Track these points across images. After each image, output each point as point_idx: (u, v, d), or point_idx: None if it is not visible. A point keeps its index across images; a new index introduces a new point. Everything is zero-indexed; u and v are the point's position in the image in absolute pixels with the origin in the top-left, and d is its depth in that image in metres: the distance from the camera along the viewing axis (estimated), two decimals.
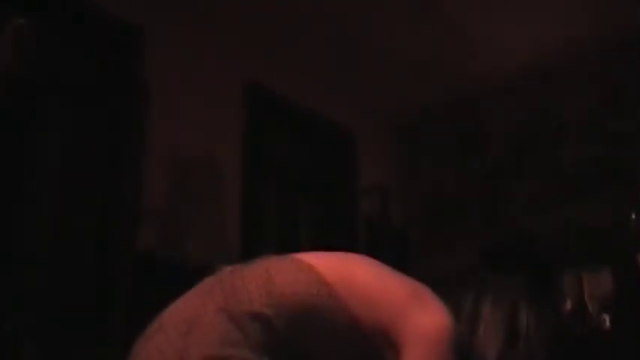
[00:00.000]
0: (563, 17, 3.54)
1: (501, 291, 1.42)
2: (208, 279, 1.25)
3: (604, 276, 3.05)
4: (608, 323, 2.96)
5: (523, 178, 4.00)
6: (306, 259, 1.26)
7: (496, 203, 4.07)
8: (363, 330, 1.21)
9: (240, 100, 3.56)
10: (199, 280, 1.25)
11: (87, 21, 2.84)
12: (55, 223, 2.58)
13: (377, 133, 4.52)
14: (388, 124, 4.57)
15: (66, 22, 2.71)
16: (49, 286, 2.47)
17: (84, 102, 2.86)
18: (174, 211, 3.00)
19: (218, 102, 3.42)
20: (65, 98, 2.76)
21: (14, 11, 1.86)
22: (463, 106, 4.35)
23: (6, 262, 2.36)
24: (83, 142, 2.81)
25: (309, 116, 3.96)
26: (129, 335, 1.21)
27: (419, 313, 1.21)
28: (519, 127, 4.14)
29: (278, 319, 1.15)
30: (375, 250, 4.00)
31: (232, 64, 3.54)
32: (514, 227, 3.84)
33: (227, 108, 3.48)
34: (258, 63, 3.67)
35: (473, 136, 4.35)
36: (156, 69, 3.08)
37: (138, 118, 2.94)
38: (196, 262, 2.68)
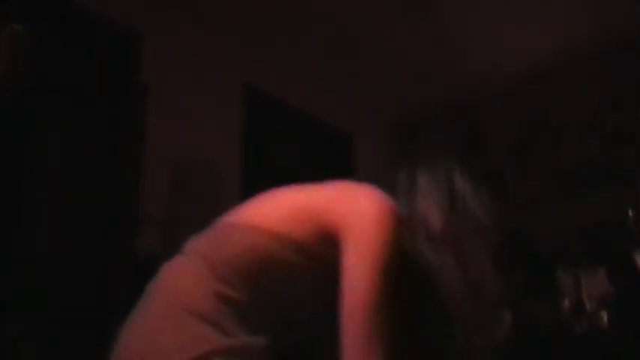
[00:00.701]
0: (563, 17, 3.55)
1: (434, 160, 1.44)
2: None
3: (602, 275, 3.06)
4: (606, 321, 2.96)
5: (523, 178, 4.01)
6: (232, 219, 1.28)
7: (496, 203, 4.07)
8: (313, 245, 1.21)
9: (240, 101, 3.57)
10: None
11: (85, 24, 2.86)
12: (55, 225, 2.60)
13: (376, 134, 4.53)
14: (387, 125, 4.58)
15: (64, 25, 2.72)
16: (50, 288, 2.49)
17: (83, 105, 2.88)
18: (174, 213, 3.01)
19: (217, 104, 3.43)
20: (64, 101, 2.78)
21: (12, 16, 1.87)
22: (463, 106, 4.36)
23: (6, 263, 2.38)
24: (83, 144, 2.82)
25: (308, 117, 3.97)
26: None
27: (355, 200, 1.23)
28: (519, 127, 4.14)
29: (235, 291, 1.15)
30: None
31: (231, 65, 3.56)
32: (514, 227, 3.85)
33: (226, 109, 3.49)
34: (257, 64, 3.68)
35: (473, 136, 4.36)
36: (155, 71, 3.10)
37: (137, 120, 2.96)
38: None
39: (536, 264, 3.39)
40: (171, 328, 1.12)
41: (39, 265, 2.48)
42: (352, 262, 1.16)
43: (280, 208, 1.27)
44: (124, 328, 1.20)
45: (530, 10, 3.47)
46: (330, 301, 1.20)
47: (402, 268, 1.19)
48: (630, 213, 3.19)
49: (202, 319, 1.12)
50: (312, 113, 3.99)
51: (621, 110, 3.74)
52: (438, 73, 4.05)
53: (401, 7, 3.43)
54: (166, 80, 3.14)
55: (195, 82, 3.32)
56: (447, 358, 1.31)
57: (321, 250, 1.21)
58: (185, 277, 1.19)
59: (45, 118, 2.66)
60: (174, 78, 3.20)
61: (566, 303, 3.04)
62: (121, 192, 2.86)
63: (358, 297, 1.13)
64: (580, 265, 3.19)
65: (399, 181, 1.40)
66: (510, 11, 3.48)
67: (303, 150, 4.03)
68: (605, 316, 2.93)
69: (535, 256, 3.47)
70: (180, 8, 3.28)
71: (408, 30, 3.63)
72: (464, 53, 3.86)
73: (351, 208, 1.22)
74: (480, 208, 1.37)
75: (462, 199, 1.36)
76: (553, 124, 3.98)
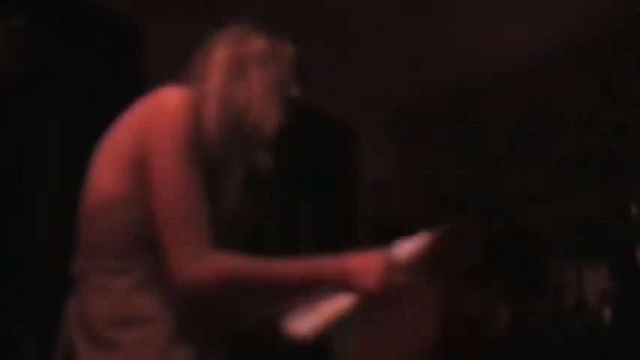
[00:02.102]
0: (563, 7, 3.52)
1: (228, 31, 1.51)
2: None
3: (604, 269, 3.05)
4: (609, 317, 2.96)
5: (523, 171, 4.00)
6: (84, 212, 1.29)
7: (495, 197, 4.06)
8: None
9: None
10: None
11: (87, 18, 2.83)
12: (55, 224, 2.57)
13: (377, 128, 4.51)
14: (388, 119, 4.56)
15: (65, 19, 2.70)
16: (50, 287, 2.47)
17: (84, 98, 2.85)
18: None
19: None
20: (65, 95, 2.75)
21: (12, 11, 1.85)
22: (463, 99, 4.34)
23: (6, 263, 2.36)
24: (83, 138, 2.79)
25: (309, 113, 3.94)
26: None
27: (156, 127, 1.24)
28: (519, 119, 4.13)
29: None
30: (376, 246, 4.00)
31: None
32: (513, 221, 3.84)
33: None
34: None
35: (473, 129, 4.34)
36: (156, 64, 3.07)
37: None
38: None
39: (536, 259, 3.39)
40: None
41: (39, 265, 2.46)
42: (156, 159, 1.18)
43: (109, 174, 1.26)
44: None
45: (529, 1, 3.45)
46: None
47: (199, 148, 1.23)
48: (633, 207, 3.17)
49: (132, 322, 1.13)
50: (313, 109, 3.96)
51: (622, 101, 3.72)
52: (437, 64, 4.03)
53: (400, 1, 3.41)
54: (168, 73, 3.11)
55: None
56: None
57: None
58: (90, 301, 1.19)
59: (45, 111, 2.64)
60: (175, 71, 3.17)
61: (569, 298, 3.04)
62: None
63: (167, 192, 1.15)
64: (582, 259, 3.19)
65: (198, 61, 1.45)
66: (509, 2, 3.46)
67: (304, 146, 4.01)
68: (608, 311, 2.92)
69: (535, 250, 3.47)
70: (181, 4, 3.26)
71: (408, 21, 3.60)
72: (463, 44, 3.84)
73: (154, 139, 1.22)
74: (276, 63, 1.45)
75: (257, 57, 1.43)
76: (553, 115, 3.96)
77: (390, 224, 4.17)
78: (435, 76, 4.14)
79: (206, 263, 1.12)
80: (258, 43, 1.47)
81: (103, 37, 2.93)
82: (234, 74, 1.38)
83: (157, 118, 1.24)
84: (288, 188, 3.84)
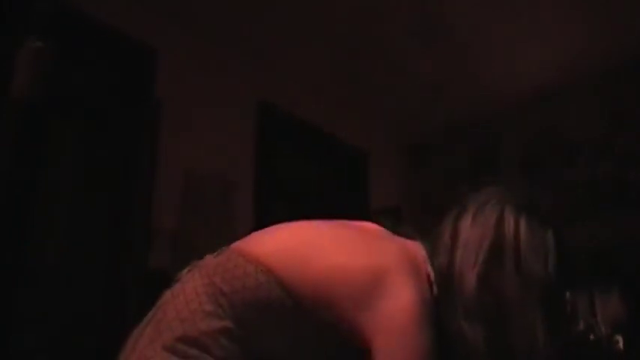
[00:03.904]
0: (575, 35, 3.55)
1: (485, 199, 1.20)
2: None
3: (615, 297, 3.03)
4: (621, 345, 2.93)
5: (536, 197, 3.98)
6: (250, 249, 1.17)
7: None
8: (323, 322, 1.10)
9: (253, 118, 3.58)
10: None
11: (101, 40, 2.88)
12: (67, 238, 2.60)
13: (389, 152, 4.53)
14: (400, 143, 4.58)
15: (80, 41, 2.75)
16: (61, 302, 2.49)
17: (97, 119, 2.89)
18: (187, 229, 3.01)
19: (231, 119, 3.44)
20: (79, 116, 2.80)
21: (30, 34, 1.88)
22: (475, 125, 4.36)
23: (19, 277, 2.38)
24: (96, 158, 2.84)
25: (322, 135, 3.97)
26: None
27: (381, 300, 1.07)
28: (531, 146, 4.13)
29: (236, 323, 1.09)
30: None
31: (245, 81, 3.57)
32: None
33: (240, 125, 3.50)
34: (271, 82, 3.70)
35: (485, 155, 4.35)
36: (169, 86, 3.12)
37: (151, 134, 2.97)
38: None
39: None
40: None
41: (51, 278, 2.49)
42: None
43: (307, 272, 1.12)
44: (126, 350, 1.17)
45: (542, 28, 3.48)
46: None
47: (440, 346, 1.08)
48: None
49: (193, 345, 1.09)
50: (325, 132, 3.99)
51: (633, 128, 3.72)
52: (450, 91, 4.06)
53: (414, 27, 3.44)
54: (180, 95, 3.16)
55: (208, 97, 3.34)
56: None
57: (323, 318, 1.10)
58: (192, 304, 1.13)
59: (59, 132, 2.68)
60: (188, 93, 3.22)
61: (580, 325, 3.01)
62: (133, 205, 2.86)
63: None
64: (593, 286, 3.16)
65: (442, 230, 1.20)
66: (522, 29, 3.49)
67: (317, 166, 4.03)
68: (620, 340, 2.89)
69: None
70: (195, 24, 3.31)
71: (422, 49, 3.64)
72: (476, 72, 3.87)
73: (382, 320, 1.07)
74: (537, 260, 1.13)
75: (513, 250, 1.12)
76: (564, 142, 3.96)
77: None
78: (448, 102, 4.16)
79: None
80: (514, 227, 1.15)
81: (116, 60, 2.98)
82: (485, 270, 1.12)
83: (392, 322, 1.07)
84: (301, 209, 3.85)
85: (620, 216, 3.49)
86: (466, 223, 1.17)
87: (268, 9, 3.27)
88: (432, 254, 1.19)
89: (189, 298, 1.13)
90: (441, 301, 1.12)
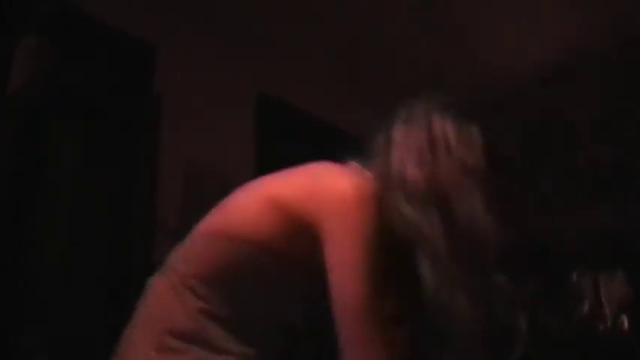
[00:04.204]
0: (576, 19, 3.53)
1: (411, 112, 1.32)
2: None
3: (620, 278, 3.04)
4: (626, 325, 2.94)
5: (537, 181, 3.98)
6: (204, 229, 1.27)
7: (510, 207, 4.05)
8: (288, 256, 1.17)
9: (253, 110, 3.57)
10: None
11: (99, 36, 2.88)
12: (69, 234, 2.60)
13: None
14: None
15: (78, 37, 2.74)
16: (63, 298, 2.49)
17: (97, 115, 2.89)
18: (188, 222, 3.01)
19: (231, 113, 3.43)
20: (78, 112, 2.79)
21: (29, 29, 1.89)
22: (475, 110, 4.35)
23: (20, 274, 2.39)
24: (96, 154, 2.83)
25: (323, 128, 3.96)
26: None
27: (325, 188, 1.18)
28: (533, 129, 4.12)
29: (216, 307, 1.16)
30: None
31: (245, 74, 3.56)
32: (529, 229, 3.83)
33: (240, 119, 3.49)
34: (271, 75, 3.68)
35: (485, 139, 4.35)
36: (168, 81, 3.11)
37: (151, 130, 2.97)
38: None
39: (552, 269, 3.37)
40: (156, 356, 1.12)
41: (52, 276, 2.49)
42: (336, 258, 1.12)
43: (250, 209, 1.22)
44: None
45: (542, 11, 3.45)
46: (310, 294, 1.19)
47: (387, 243, 1.14)
48: None
49: (187, 338, 1.13)
50: (326, 124, 3.98)
51: (635, 113, 3.71)
52: (449, 75, 4.04)
53: (413, 11, 3.43)
54: (180, 90, 3.15)
55: (208, 91, 3.32)
56: (434, 329, 1.20)
57: (293, 247, 1.17)
58: (165, 299, 1.19)
59: (58, 128, 2.67)
60: (187, 88, 3.21)
61: (586, 306, 3.02)
62: (134, 201, 2.86)
63: (348, 292, 1.10)
64: (598, 268, 3.17)
65: (377, 140, 1.31)
66: (522, 12, 3.46)
67: (318, 158, 4.02)
68: (625, 320, 2.90)
69: (552, 260, 3.45)
70: (193, 19, 3.29)
71: (420, 33, 3.62)
72: (476, 55, 3.85)
73: (323, 199, 1.16)
74: (467, 149, 1.25)
75: (444, 144, 1.24)
76: (567, 125, 3.95)
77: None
78: (447, 88, 4.15)
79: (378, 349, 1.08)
80: (442, 124, 1.28)
81: (114, 57, 2.98)
82: (419, 161, 1.22)
83: (339, 210, 1.14)
84: None
85: (622, 200, 3.49)
86: (398, 131, 1.28)
87: (270, 4, 3.26)
88: (368, 160, 1.29)
89: (159, 296, 1.21)
90: (381, 195, 1.18)
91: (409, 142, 1.25)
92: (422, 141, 1.24)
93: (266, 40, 3.54)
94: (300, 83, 3.83)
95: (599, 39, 3.67)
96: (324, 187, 1.18)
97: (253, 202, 1.23)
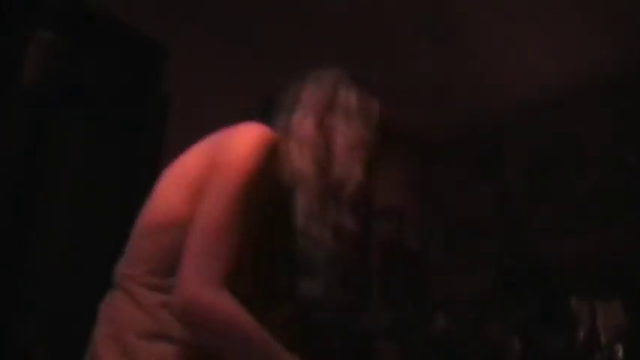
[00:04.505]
0: (587, 42, 3.53)
1: (322, 75, 1.44)
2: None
3: (617, 306, 3.02)
4: (620, 354, 2.92)
5: (541, 204, 3.97)
6: (140, 225, 1.31)
7: (513, 228, 4.05)
8: None
9: (261, 113, 3.57)
10: None
11: (109, 36, 2.89)
12: (72, 233, 2.60)
13: (397, 155, 4.52)
14: (408, 147, 4.57)
15: (87, 36, 2.75)
16: (63, 292, 2.49)
17: (104, 115, 2.89)
18: None
19: (239, 116, 3.43)
20: (85, 111, 2.79)
21: (40, 26, 1.90)
22: (482, 129, 4.35)
23: (20, 266, 2.40)
24: (104, 154, 2.84)
25: None
26: None
27: (226, 143, 1.26)
28: (539, 152, 4.12)
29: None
30: (389, 272, 3.99)
31: (253, 78, 3.57)
32: (530, 252, 3.81)
33: (247, 122, 3.49)
34: (279, 78, 3.68)
35: (492, 160, 4.34)
36: (177, 83, 3.12)
37: (159, 131, 2.98)
38: None
39: (550, 292, 3.36)
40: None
41: (53, 270, 2.49)
42: (204, 204, 1.18)
43: (171, 193, 1.27)
44: None
45: (552, 34, 3.47)
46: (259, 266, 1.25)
47: (273, 190, 1.24)
48: None
49: (150, 335, 1.14)
50: None
51: None
52: (460, 95, 4.05)
53: (424, 32, 3.44)
54: (188, 92, 3.16)
55: (216, 94, 3.33)
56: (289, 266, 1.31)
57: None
58: (122, 308, 1.20)
59: (66, 127, 2.68)
60: (196, 90, 3.22)
61: (581, 333, 3.01)
62: (141, 202, 2.86)
63: (206, 218, 1.15)
64: (595, 294, 3.16)
65: (285, 97, 1.42)
66: (533, 35, 3.48)
67: None
68: (620, 349, 2.89)
69: (549, 284, 3.44)
70: (203, 21, 3.31)
71: (431, 53, 3.63)
72: (486, 76, 3.86)
73: (220, 159, 1.23)
74: (364, 121, 1.38)
75: (344, 111, 1.36)
76: (573, 149, 3.94)
77: (403, 250, 4.16)
78: (457, 106, 4.15)
79: (209, 294, 1.10)
80: (346, 94, 1.40)
81: (124, 54, 2.99)
82: (320, 121, 1.35)
83: (229, 149, 1.24)
84: None
85: (625, 225, 3.48)
86: (306, 92, 1.39)
87: (277, 7, 3.28)
88: (276, 117, 1.40)
89: (116, 307, 1.23)
90: (279, 147, 1.28)
91: (314, 103, 1.36)
92: (325, 104, 1.36)
93: (276, 44, 3.55)
94: None
95: (611, 63, 3.67)
96: (222, 148, 1.25)
97: (172, 185, 1.28)
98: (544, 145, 4.10)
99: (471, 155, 4.47)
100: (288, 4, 3.28)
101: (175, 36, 3.17)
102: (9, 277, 2.34)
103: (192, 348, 1.14)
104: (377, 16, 3.36)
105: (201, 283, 1.10)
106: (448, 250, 4.32)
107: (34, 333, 2.29)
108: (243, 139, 1.24)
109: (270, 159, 1.23)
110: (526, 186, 4.10)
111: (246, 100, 3.52)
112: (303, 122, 1.34)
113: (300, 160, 1.29)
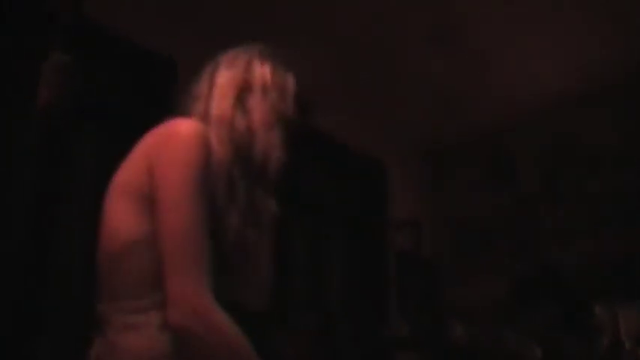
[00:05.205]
0: (596, 43, 3.52)
1: (236, 54, 1.46)
2: None
3: (639, 310, 2.99)
4: None
5: (555, 209, 3.95)
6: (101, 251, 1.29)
7: (527, 234, 4.02)
8: None
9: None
10: None
11: (121, 53, 2.90)
12: (86, 247, 2.61)
13: (408, 164, 4.51)
14: (419, 155, 4.56)
15: (100, 54, 2.77)
16: (81, 311, 2.49)
17: (118, 132, 2.90)
18: None
19: None
20: (99, 128, 2.81)
21: (57, 46, 1.90)
22: (495, 136, 4.34)
23: (41, 287, 2.40)
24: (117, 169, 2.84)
25: (341, 148, 3.95)
26: None
27: (157, 139, 1.26)
28: (551, 156, 4.10)
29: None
30: (406, 282, 3.97)
31: None
32: (545, 258, 3.79)
33: None
34: None
35: (504, 166, 4.32)
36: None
37: None
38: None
39: (571, 298, 3.33)
40: None
41: (73, 290, 2.49)
42: (162, 192, 1.18)
43: (118, 211, 1.24)
44: None
45: (560, 37, 3.46)
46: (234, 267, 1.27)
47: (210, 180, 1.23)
48: None
49: (162, 358, 1.12)
50: (344, 145, 3.97)
51: None
52: (470, 100, 4.04)
53: (431, 35, 3.44)
54: None
55: None
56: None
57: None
58: (126, 346, 1.16)
59: (81, 144, 2.69)
60: None
61: (604, 339, 2.97)
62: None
63: (173, 224, 1.14)
64: (617, 300, 3.12)
65: (200, 84, 1.41)
66: (541, 36, 3.47)
67: (335, 181, 4.00)
68: None
69: (570, 289, 3.41)
70: (213, 37, 3.31)
71: (439, 58, 3.63)
72: (496, 80, 3.85)
73: (158, 161, 1.22)
74: (280, 94, 1.40)
75: (261, 87, 1.38)
76: (585, 153, 3.93)
77: (420, 260, 4.15)
78: (468, 112, 4.14)
79: (209, 304, 1.10)
80: (261, 71, 1.42)
81: (138, 72, 3.00)
82: (237, 102, 1.36)
83: (168, 148, 1.22)
84: (318, 224, 3.83)
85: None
86: (220, 73, 1.40)
87: (286, 19, 3.28)
88: (192, 104, 1.38)
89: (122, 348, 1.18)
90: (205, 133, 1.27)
91: (229, 85, 1.37)
92: (241, 84, 1.37)
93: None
94: (320, 104, 3.83)
95: (622, 67, 3.65)
96: (161, 150, 1.23)
97: (119, 201, 1.25)
98: (555, 148, 4.09)
99: (483, 161, 4.45)
100: (295, 15, 3.28)
101: (187, 53, 3.17)
102: (29, 286, 2.35)
103: None
104: (383, 23, 3.36)
105: (198, 294, 1.10)
106: (463, 258, 4.30)
107: (41, 349, 2.29)
108: (183, 137, 1.22)
109: (208, 150, 1.23)
110: (540, 190, 4.08)
111: None
112: (221, 105, 1.34)
113: (217, 144, 1.28)
